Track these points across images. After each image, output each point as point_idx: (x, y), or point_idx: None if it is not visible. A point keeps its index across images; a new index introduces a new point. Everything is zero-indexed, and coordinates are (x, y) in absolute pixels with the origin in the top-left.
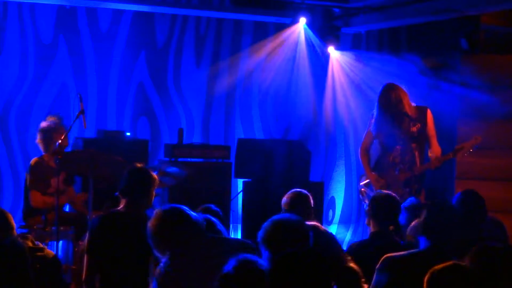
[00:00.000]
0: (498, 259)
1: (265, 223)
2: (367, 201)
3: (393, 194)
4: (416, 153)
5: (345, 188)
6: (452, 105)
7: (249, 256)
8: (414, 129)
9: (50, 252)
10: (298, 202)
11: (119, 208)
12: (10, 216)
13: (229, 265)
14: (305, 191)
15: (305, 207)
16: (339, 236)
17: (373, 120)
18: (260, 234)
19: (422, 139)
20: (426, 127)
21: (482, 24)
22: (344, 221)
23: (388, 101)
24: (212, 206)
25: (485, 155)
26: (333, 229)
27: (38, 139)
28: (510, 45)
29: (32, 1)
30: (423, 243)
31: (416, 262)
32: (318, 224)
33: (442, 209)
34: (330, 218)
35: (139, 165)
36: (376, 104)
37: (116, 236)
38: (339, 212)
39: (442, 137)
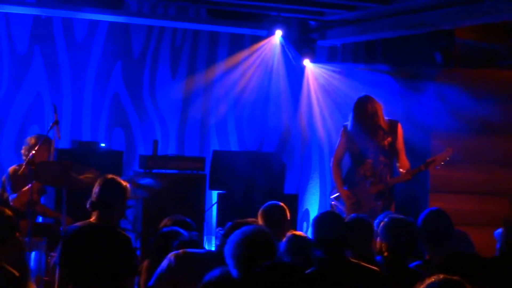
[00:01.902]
0: (467, 266)
1: (232, 238)
2: None
3: (366, 217)
4: (386, 167)
5: (319, 201)
6: (426, 118)
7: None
8: (385, 142)
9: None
10: (274, 214)
11: (91, 219)
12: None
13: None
14: (281, 204)
15: (281, 219)
16: None
17: (343, 133)
18: (228, 249)
19: (391, 153)
20: (396, 141)
21: (456, 38)
22: None
23: (364, 113)
24: (181, 216)
25: (459, 169)
26: None
27: (23, 149)
28: (484, 59)
29: (7, 11)
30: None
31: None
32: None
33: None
34: (304, 231)
35: (110, 176)
36: (350, 115)
37: (88, 248)
38: None
39: (415, 150)
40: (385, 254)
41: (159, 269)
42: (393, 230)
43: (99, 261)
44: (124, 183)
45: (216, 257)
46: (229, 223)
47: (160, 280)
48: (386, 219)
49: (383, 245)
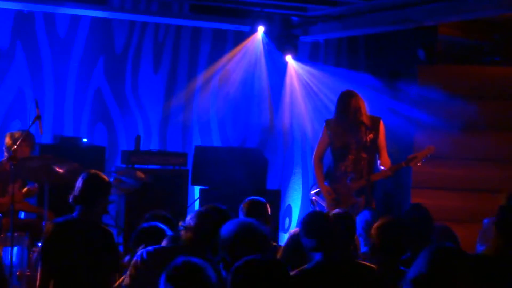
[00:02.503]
0: (452, 260)
1: (227, 227)
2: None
3: (347, 212)
4: (367, 163)
5: (301, 196)
6: (409, 115)
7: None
8: (367, 138)
9: None
10: (255, 209)
11: (73, 214)
12: None
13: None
14: (262, 199)
15: (262, 214)
16: None
17: (325, 128)
18: (222, 237)
19: (373, 149)
20: (378, 137)
21: (439, 35)
22: None
23: (346, 108)
24: (162, 211)
25: (442, 165)
26: None
27: (5, 145)
28: (467, 56)
29: None
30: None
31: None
32: None
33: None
34: (286, 226)
35: (93, 171)
36: (333, 110)
37: (70, 243)
38: (296, 220)
39: (398, 147)
40: (374, 254)
41: (131, 267)
42: (386, 231)
43: (81, 256)
44: (107, 179)
45: (183, 250)
46: (195, 212)
47: (133, 277)
48: (379, 221)
49: (375, 244)
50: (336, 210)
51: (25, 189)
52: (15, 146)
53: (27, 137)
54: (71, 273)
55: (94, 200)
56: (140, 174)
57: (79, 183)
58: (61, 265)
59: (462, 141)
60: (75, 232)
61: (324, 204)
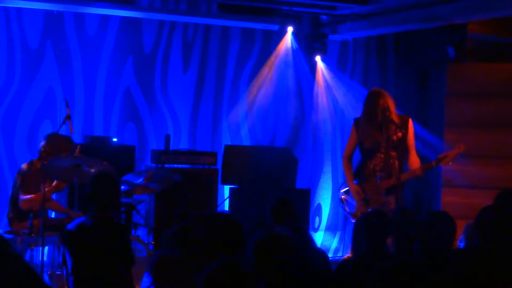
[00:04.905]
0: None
1: (258, 235)
2: (347, 209)
3: (382, 211)
4: (396, 162)
5: (331, 195)
6: (439, 113)
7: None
8: (396, 137)
9: None
10: (282, 210)
11: (86, 213)
12: None
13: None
14: (289, 199)
15: (290, 214)
16: (325, 243)
17: (354, 127)
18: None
19: (402, 148)
20: (407, 136)
21: (469, 33)
22: (331, 228)
23: (375, 107)
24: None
25: (471, 163)
26: (319, 236)
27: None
28: (497, 54)
29: (19, 6)
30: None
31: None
32: None
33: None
34: (316, 225)
35: (101, 170)
36: (362, 109)
37: (85, 242)
38: (326, 219)
39: (429, 145)
40: None
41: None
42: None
43: (96, 254)
44: (114, 176)
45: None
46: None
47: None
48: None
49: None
50: (370, 210)
51: (54, 183)
52: (47, 146)
53: (67, 141)
54: (90, 271)
55: (106, 198)
56: (170, 174)
57: (90, 182)
58: (80, 264)
59: (492, 140)
60: (90, 231)
61: (353, 203)
